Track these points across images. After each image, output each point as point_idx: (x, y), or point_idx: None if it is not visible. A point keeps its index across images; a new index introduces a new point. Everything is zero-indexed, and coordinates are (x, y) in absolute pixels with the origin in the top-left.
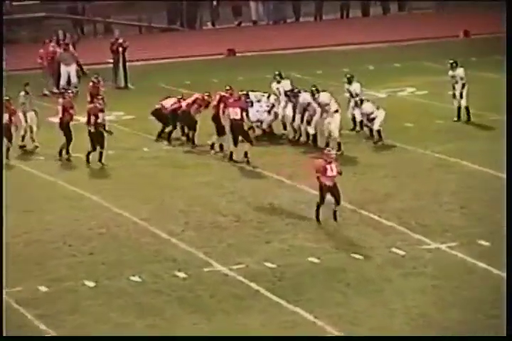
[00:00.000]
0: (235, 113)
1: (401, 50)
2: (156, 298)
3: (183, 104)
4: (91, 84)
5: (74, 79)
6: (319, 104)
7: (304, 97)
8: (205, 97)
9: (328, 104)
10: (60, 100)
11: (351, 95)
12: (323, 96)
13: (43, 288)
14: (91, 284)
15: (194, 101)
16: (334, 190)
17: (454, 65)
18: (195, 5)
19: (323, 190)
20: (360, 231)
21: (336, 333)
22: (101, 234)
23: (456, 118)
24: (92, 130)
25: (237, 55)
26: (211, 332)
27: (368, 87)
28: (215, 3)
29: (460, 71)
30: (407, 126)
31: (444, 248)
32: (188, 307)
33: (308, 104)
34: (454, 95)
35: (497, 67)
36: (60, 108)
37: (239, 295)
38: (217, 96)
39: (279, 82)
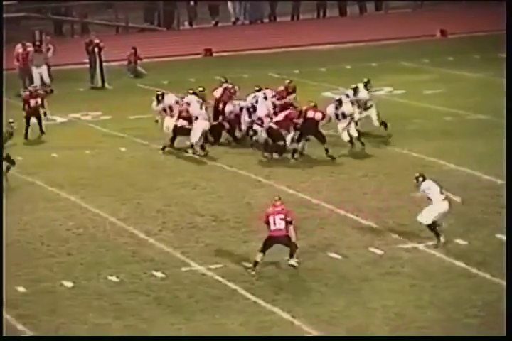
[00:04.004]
0: None
1: (378, 50)
2: (134, 299)
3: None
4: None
5: (47, 80)
6: None
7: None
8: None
9: None
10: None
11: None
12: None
13: (21, 289)
14: (69, 284)
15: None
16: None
17: (357, 89)
18: (173, 4)
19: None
20: (338, 231)
21: (313, 333)
22: (79, 235)
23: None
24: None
25: (214, 54)
26: (189, 332)
27: (345, 87)
28: (192, 2)
29: (363, 94)
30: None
31: (422, 247)
32: (166, 307)
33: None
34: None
35: (474, 66)
36: None
37: (217, 295)
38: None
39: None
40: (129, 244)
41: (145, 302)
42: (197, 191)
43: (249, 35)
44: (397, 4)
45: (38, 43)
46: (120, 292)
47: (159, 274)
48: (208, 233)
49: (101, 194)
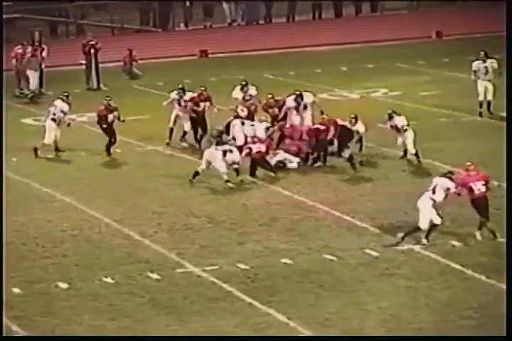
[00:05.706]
0: None
1: (374, 51)
2: (129, 300)
3: None
4: None
5: (32, 85)
6: None
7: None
8: None
9: None
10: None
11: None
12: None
13: (16, 290)
14: (64, 286)
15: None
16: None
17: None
18: (168, 5)
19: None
20: (334, 232)
21: (308, 334)
22: (74, 236)
23: None
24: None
25: (210, 55)
26: (184, 333)
27: (341, 88)
28: (188, 3)
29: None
30: (380, 127)
31: (418, 249)
32: (161, 308)
33: None
34: None
35: (469, 68)
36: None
37: (212, 297)
38: None
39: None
40: (124, 245)
41: (140, 303)
42: (192, 192)
43: (244, 36)
44: (393, 5)
45: (37, 44)
46: (115, 293)
47: (154, 275)
48: (203, 234)
49: (96, 195)
